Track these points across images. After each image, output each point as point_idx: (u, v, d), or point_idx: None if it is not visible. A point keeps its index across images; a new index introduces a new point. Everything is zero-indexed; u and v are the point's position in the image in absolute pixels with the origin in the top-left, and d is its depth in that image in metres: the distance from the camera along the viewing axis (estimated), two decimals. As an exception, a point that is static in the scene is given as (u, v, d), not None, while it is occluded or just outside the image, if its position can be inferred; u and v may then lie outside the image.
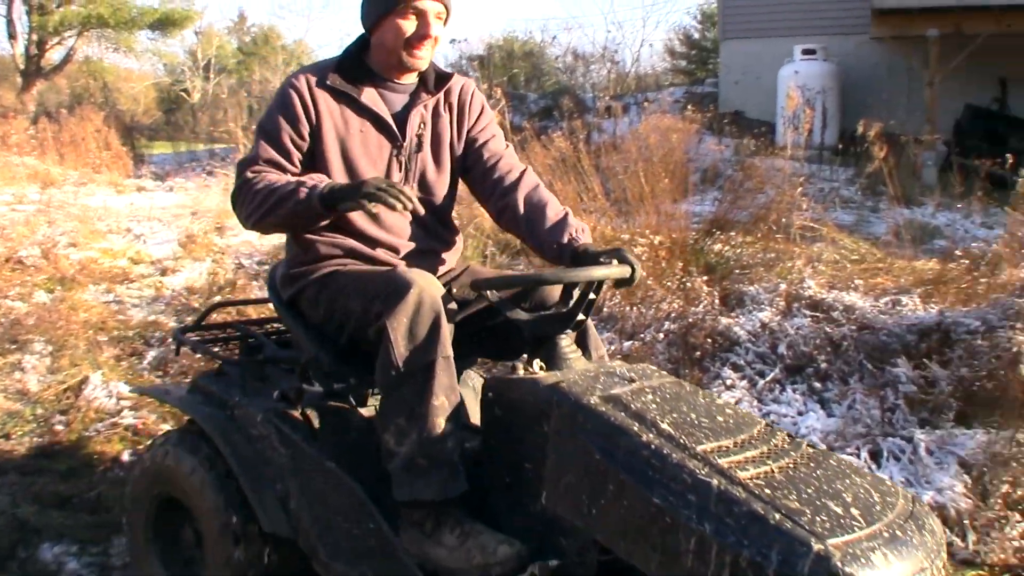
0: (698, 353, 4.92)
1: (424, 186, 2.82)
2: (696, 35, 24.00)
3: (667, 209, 7.02)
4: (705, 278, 5.86)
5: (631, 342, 5.21)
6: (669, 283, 5.70)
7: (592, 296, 2.51)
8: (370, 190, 2.44)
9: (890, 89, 12.50)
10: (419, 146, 2.79)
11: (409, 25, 2.67)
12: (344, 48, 2.82)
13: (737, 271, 6.14)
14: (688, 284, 5.48)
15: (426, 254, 2.81)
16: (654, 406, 2.22)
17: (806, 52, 13.13)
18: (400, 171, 2.76)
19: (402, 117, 2.77)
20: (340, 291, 2.63)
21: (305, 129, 2.67)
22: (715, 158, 10.85)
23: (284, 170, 2.66)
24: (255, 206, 2.61)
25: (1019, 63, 12.83)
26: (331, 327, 2.68)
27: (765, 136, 11.95)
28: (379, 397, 2.52)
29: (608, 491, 2.06)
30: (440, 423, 2.40)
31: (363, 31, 2.80)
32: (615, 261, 2.54)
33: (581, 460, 2.13)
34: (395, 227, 2.75)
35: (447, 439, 2.41)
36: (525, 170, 2.87)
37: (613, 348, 5.12)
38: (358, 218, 2.67)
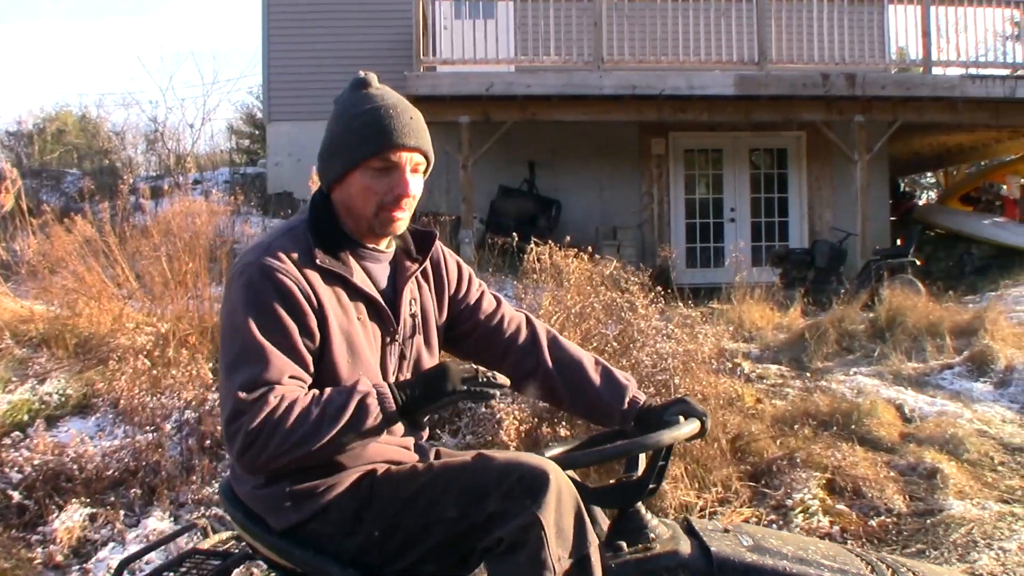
0: (208, 442, 4.79)
1: (417, 374, 2.28)
2: (259, 115, 23.99)
3: (199, 294, 6.85)
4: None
5: (145, 435, 4.96)
6: (189, 371, 5.51)
7: (663, 462, 2.23)
8: (460, 387, 2.00)
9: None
10: (413, 329, 2.29)
11: (379, 184, 2.14)
12: (312, 202, 2.24)
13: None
14: (196, 371, 5.29)
15: (417, 445, 2.33)
16: (788, 548, 2.15)
17: (347, 134, 13.49)
18: (394, 362, 2.24)
19: (392, 296, 2.25)
20: (413, 497, 2.07)
21: (313, 323, 2.07)
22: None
23: (304, 383, 2.05)
24: (296, 441, 1.95)
25: (544, 147, 14.14)
26: (377, 551, 2.08)
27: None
28: None
29: None
30: None
31: (321, 186, 2.25)
32: (681, 417, 2.27)
33: None
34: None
35: None
36: (530, 322, 2.50)
37: (119, 441, 4.85)
38: None
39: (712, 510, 4.66)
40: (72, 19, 55.25)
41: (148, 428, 5.01)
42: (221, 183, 13.99)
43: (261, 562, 2.33)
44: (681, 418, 2.28)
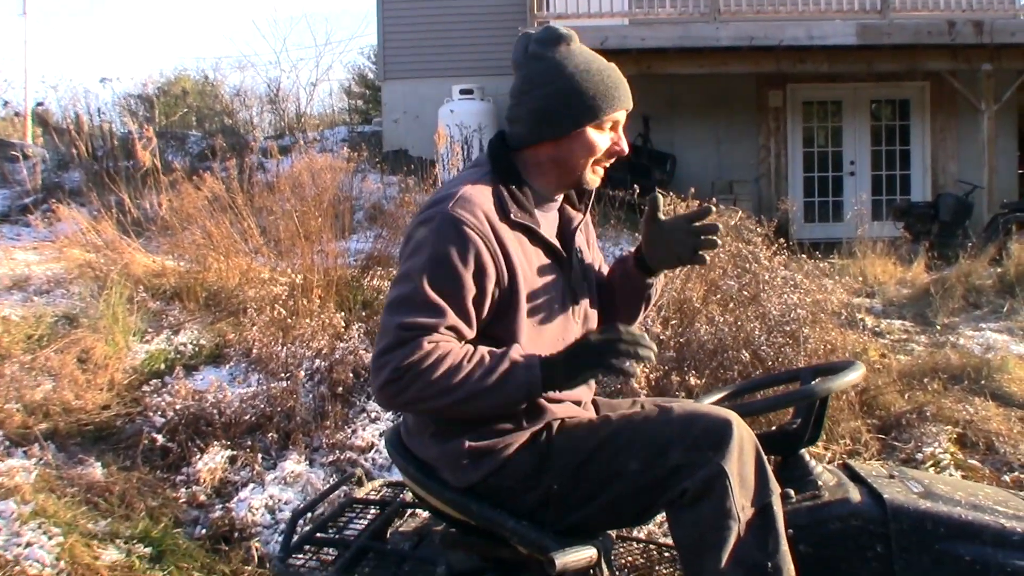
0: (340, 389, 4.93)
1: (586, 320, 2.31)
2: (371, 75, 24.29)
3: (324, 248, 7.02)
4: (364, 313, 5.87)
5: (279, 382, 5.13)
6: (320, 320, 5.67)
7: (823, 408, 2.26)
8: (612, 353, 1.98)
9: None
10: (583, 274, 2.31)
11: (603, 140, 2.20)
12: (492, 155, 2.24)
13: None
14: (327, 320, 5.43)
15: (588, 400, 2.33)
16: (959, 493, 2.15)
17: (463, 92, 13.58)
18: (571, 306, 2.25)
19: (567, 242, 2.27)
20: (594, 451, 2.08)
21: (491, 283, 2.07)
22: (379, 196, 10.95)
23: (463, 337, 2.07)
24: (439, 391, 1.98)
25: (659, 101, 13.97)
26: (555, 506, 2.09)
27: (427, 172, 12.20)
28: (687, 567, 2.04)
29: None
30: (791, 570, 2.00)
31: (524, 141, 2.22)
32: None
33: (945, 569, 2.02)
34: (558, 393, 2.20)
35: None
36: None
37: (254, 388, 5.03)
38: None
39: (840, 462, 4.62)
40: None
41: (282, 376, 5.17)
42: (339, 141, 14.20)
43: (421, 511, 2.37)
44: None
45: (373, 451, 4.60)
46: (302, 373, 5.07)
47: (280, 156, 11.20)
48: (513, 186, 2.16)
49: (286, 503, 4.22)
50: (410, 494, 2.41)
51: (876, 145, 14.88)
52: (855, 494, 2.14)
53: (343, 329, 5.52)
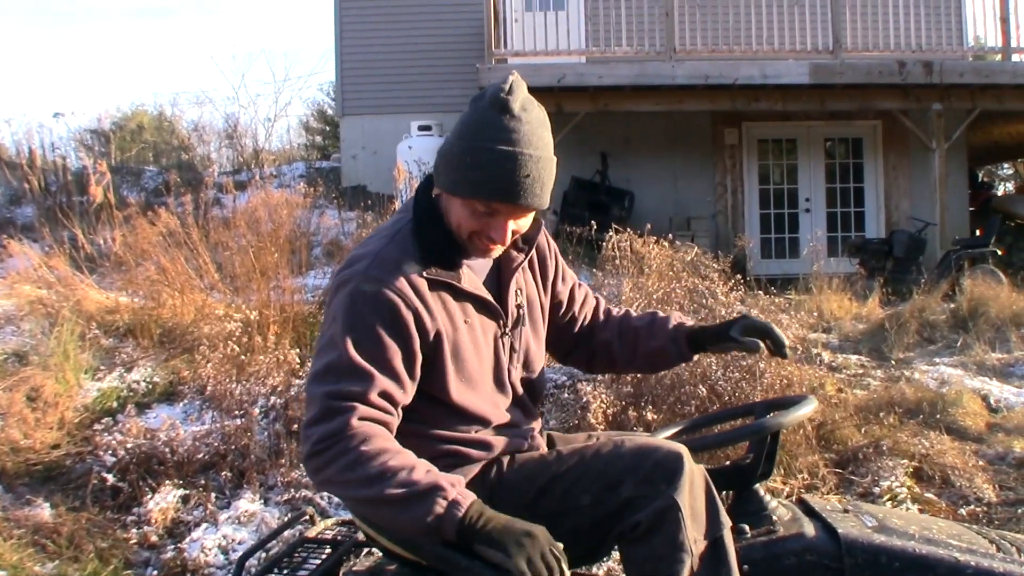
0: (295, 426, 4.86)
1: (527, 364, 2.27)
2: (330, 111, 24.28)
3: (280, 284, 6.97)
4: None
5: (233, 420, 5.06)
6: (275, 356, 5.61)
7: (774, 444, 2.24)
8: (523, 556, 1.83)
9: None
10: (519, 319, 2.24)
11: (468, 219, 2.05)
12: (416, 199, 2.17)
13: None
14: (282, 357, 5.37)
15: (528, 438, 2.28)
16: (913, 527, 2.16)
17: (422, 128, 13.59)
18: (506, 355, 2.19)
19: (498, 289, 2.20)
20: (545, 487, 2.06)
21: (416, 344, 2.01)
22: (337, 232, 10.93)
23: (396, 404, 1.99)
24: (352, 479, 1.89)
25: (616, 138, 14.10)
26: None
27: (385, 208, 12.20)
28: None
29: None
30: None
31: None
32: (744, 334, 2.30)
33: None
34: (505, 422, 2.19)
35: None
36: (596, 299, 2.53)
37: (207, 426, 4.96)
38: (470, 422, 2.13)
39: (797, 496, 4.63)
40: (141, 18, 56.25)
41: (236, 414, 5.11)
42: (296, 177, 14.17)
43: (375, 550, 2.33)
44: (761, 343, 2.30)
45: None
46: (257, 410, 5.01)
47: (237, 191, 11.13)
48: (433, 236, 2.09)
49: (240, 543, 4.15)
50: (362, 533, 2.38)
51: (831, 182, 15.08)
52: (809, 528, 2.13)
53: (298, 366, 5.46)
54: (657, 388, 5.02)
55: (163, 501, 4.42)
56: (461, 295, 2.10)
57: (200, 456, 4.77)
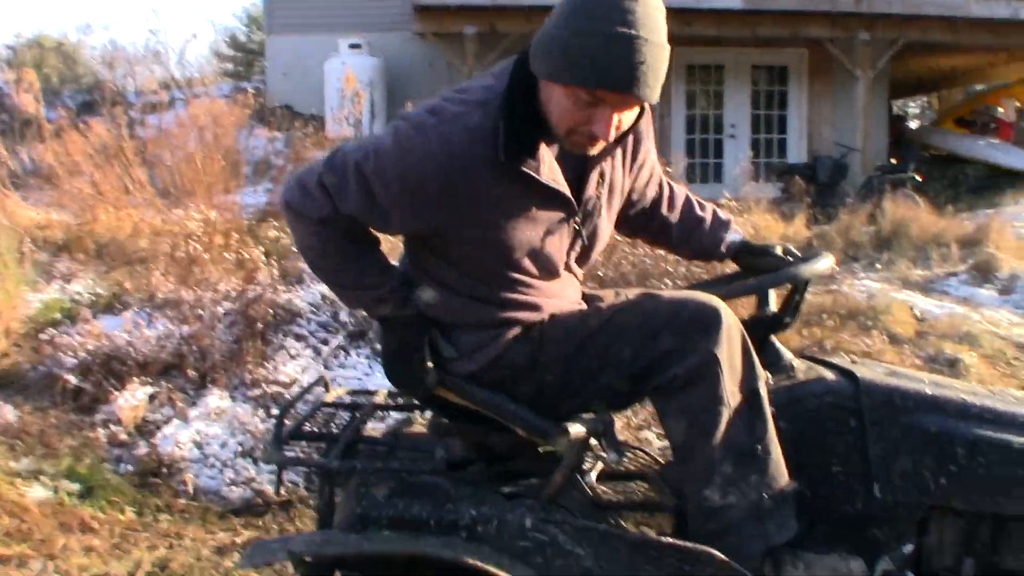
0: (260, 325, 4.89)
1: (591, 244, 2.14)
2: (242, 37, 23.73)
3: (219, 200, 6.90)
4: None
5: (189, 327, 5.05)
6: (226, 264, 5.60)
7: (799, 297, 2.27)
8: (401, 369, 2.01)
9: (433, 83, 13.06)
10: (595, 208, 2.09)
11: (569, 110, 1.85)
12: (512, 74, 1.95)
13: (294, 253, 6.16)
14: (245, 256, 5.38)
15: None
16: (921, 375, 2.28)
17: (352, 46, 13.38)
18: (568, 243, 2.07)
19: (579, 180, 2.03)
20: (586, 341, 2.02)
21: (428, 218, 1.93)
22: (267, 150, 10.77)
23: (363, 238, 2.04)
24: (317, 257, 2.05)
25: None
26: (550, 394, 2.05)
27: (316, 128, 12.06)
28: (677, 454, 2.05)
29: (958, 456, 2.10)
30: (778, 453, 2.02)
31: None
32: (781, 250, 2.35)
33: (913, 440, 2.11)
34: (555, 292, 2.12)
35: (784, 470, 2.04)
36: (662, 178, 2.39)
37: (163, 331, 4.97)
38: (523, 289, 2.05)
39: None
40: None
41: (192, 319, 5.09)
42: (222, 96, 13.84)
43: (395, 413, 2.38)
44: (785, 249, 2.38)
45: (295, 386, 4.59)
46: (220, 310, 5.00)
47: (166, 109, 10.90)
48: (523, 117, 1.89)
49: (214, 437, 4.19)
50: (380, 398, 2.45)
51: (756, 109, 15.34)
52: (828, 374, 2.22)
53: (261, 266, 5.46)
54: (631, 277, 5.15)
55: (132, 399, 4.42)
56: (534, 185, 1.93)
57: (163, 355, 4.76)
